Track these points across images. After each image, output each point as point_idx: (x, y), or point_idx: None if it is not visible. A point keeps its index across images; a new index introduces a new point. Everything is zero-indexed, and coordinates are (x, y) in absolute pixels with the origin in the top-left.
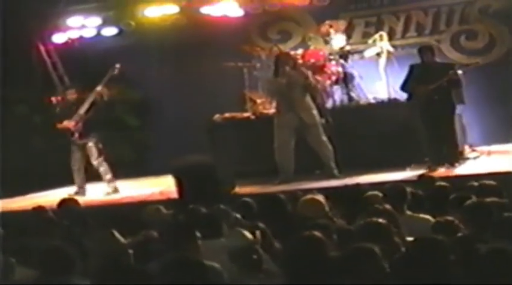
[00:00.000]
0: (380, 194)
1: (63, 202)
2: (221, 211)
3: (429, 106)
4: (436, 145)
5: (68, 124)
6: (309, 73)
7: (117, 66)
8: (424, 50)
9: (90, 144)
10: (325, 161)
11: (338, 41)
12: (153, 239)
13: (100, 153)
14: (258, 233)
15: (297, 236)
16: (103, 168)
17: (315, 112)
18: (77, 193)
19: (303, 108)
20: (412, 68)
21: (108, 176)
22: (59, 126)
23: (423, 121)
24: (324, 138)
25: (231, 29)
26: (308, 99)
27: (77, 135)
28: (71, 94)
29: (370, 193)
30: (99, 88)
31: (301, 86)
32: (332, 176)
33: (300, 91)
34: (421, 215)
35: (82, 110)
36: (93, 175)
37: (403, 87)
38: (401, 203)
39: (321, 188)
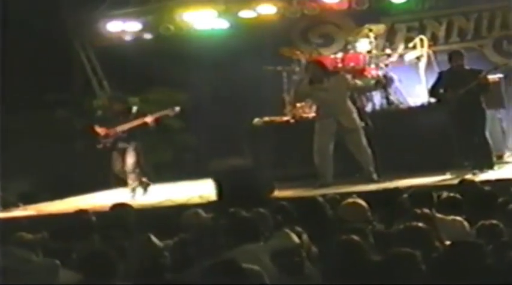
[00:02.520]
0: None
1: (116, 206)
2: (260, 215)
3: (459, 111)
4: (471, 150)
5: (104, 132)
6: (349, 76)
7: (177, 109)
8: (454, 56)
9: (130, 149)
10: (364, 165)
11: (362, 45)
12: (192, 243)
13: (137, 158)
14: (304, 236)
15: (335, 240)
16: (134, 175)
17: (355, 116)
18: (132, 195)
19: (342, 112)
20: (440, 74)
21: (135, 184)
22: (98, 132)
23: (454, 126)
24: (364, 142)
25: (271, 33)
26: (348, 103)
27: (115, 140)
28: (118, 105)
29: (403, 196)
30: (149, 119)
31: (340, 90)
32: (371, 181)
33: (339, 95)
34: (452, 218)
35: (121, 128)
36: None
37: (432, 93)
38: (429, 207)
39: (359, 192)
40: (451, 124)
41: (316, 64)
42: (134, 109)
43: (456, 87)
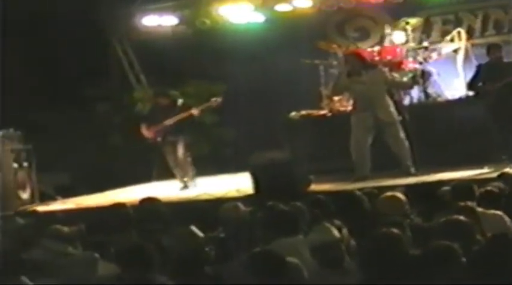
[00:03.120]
0: (447, 190)
1: (145, 200)
2: (297, 208)
3: (497, 104)
4: (509, 143)
5: (151, 131)
6: (386, 69)
7: (219, 99)
8: (492, 49)
9: (181, 142)
10: (402, 159)
11: (399, 37)
12: (230, 236)
13: (187, 151)
14: (344, 230)
15: (374, 234)
16: (186, 166)
17: (392, 109)
18: (183, 188)
19: (380, 106)
20: (479, 68)
21: (190, 175)
22: (144, 131)
23: (492, 119)
24: (402, 136)
25: (307, 26)
26: (386, 96)
27: (165, 134)
28: (163, 99)
29: (442, 189)
30: (195, 111)
31: (378, 84)
32: (408, 174)
33: (377, 89)
34: (493, 212)
35: (168, 122)
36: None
37: (470, 86)
38: (471, 200)
39: (397, 186)
40: (489, 118)
41: (355, 57)
42: (179, 102)
43: (494, 80)
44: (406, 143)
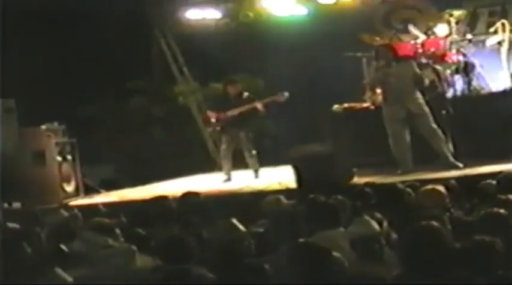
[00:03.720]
0: (492, 182)
1: (187, 194)
2: (339, 201)
3: None
4: None
5: (214, 115)
6: (415, 65)
7: (286, 94)
8: None
9: (242, 134)
10: (439, 149)
11: (442, 30)
12: (272, 229)
13: (251, 143)
14: (385, 223)
15: (414, 226)
16: (254, 159)
17: (422, 101)
18: (226, 180)
19: (409, 99)
20: None
21: (257, 166)
22: (208, 114)
23: None
24: (434, 126)
25: (350, 19)
26: (416, 89)
27: (226, 125)
28: (231, 88)
29: (484, 182)
30: (259, 105)
31: (408, 77)
32: (449, 165)
33: (406, 82)
34: None
35: (231, 113)
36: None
37: None
38: None
39: (440, 179)
40: None
41: (387, 49)
42: (245, 94)
43: None
44: (440, 133)
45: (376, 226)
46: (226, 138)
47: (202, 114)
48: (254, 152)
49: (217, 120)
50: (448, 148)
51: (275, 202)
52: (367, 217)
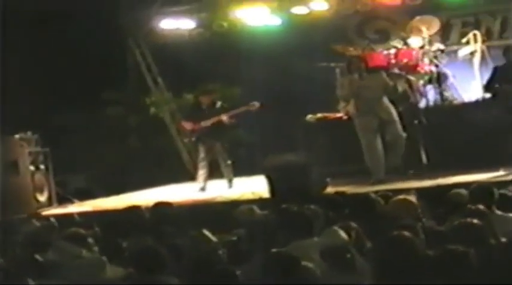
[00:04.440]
0: (464, 192)
1: (159, 204)
2: (312, 211)
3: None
4: None
5: (189, 125)
6: (385, 75)
7: (257, 103)
8: (510, 50)
9: (218, 144)
10: (394, 158)
11: (416, 40)
12: (244, 239)
13: (227, 153)
14: (354, 233)
15: (386, 236)
16: (229, 169)
17: (393, 110)
18: (201, 189)
19: (381, 108)
20: (496, 69)
21: (231, 176)
22: (183, 124)
23: (509, 121)
24: (402, 134)
25: (324, 29)
26: (385, 99)
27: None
28: (204, 98)
29: (454, 191)
30: (224, 117)
31: (378, 88)
32: (398, 173)
33: (377, 92)
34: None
35: (205, 123)
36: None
37: (487, 88)
38: (490, 203)
39: (412, 189)
40: (505, 120)
41: (359, 60)
42: (218, 104)
43: (509, 82)
44: (403, 143)
45: (344, 235)
46: (203, 148)
47: (176, 124)
48: (229, 162)
49: (193, 130)
50: (402, 158)
51: (248, 212)
52: (335, 227)
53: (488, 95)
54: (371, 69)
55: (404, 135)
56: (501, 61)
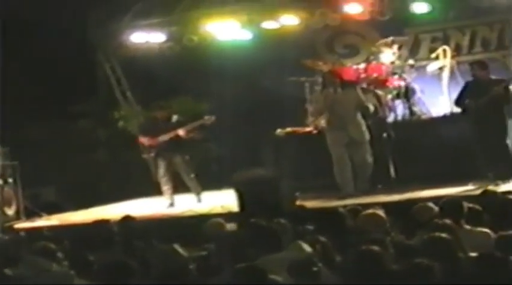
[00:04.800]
0: (433, 207)
1: (126, 218)
2: (281, 225)
3: (481, 121)
4: (493, 160)
5: (147, 140)
6: (359, 91)
7: (212, 118)
8: (476, 66)
9: (178, 158)
10: (362, 177)
11: (386, 56)
12: (215, 253)
13: (189, 167)
14: (318, 246)
15: (354, 251)
16: (194, 182)
17: (364, 128)
18: (170, 205)
19: (352, 125)
20: (466, 84)
21: (198, 189)
22: (141, 139)
23: (477, 136)
24: (368, 159)
25: (294, 44)
26: (358, 115)
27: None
28: (159, 113)
29: (420, 204)
30: (181, 132)
31: (351, 103)
32: (364, 192)
33: (350, 108)
34: (480, 229)
35: (162, 138)
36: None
37: (457, 103)
38: (459, 217)
39: (380, 203)
40: (473, 134)
41: (333, 75)
42: (174, 118)
43: (479, 97)
44: (370, 167)
45: (308, 249)
46: (162, 163)
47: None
48: (193, 175)
49: (151, 145)
50: (369, 178)
51: (216, 226)
52: (300, 241)
53: (458, 110)
54: (345, 84)
55: (371, 159)
56: (470, 77)
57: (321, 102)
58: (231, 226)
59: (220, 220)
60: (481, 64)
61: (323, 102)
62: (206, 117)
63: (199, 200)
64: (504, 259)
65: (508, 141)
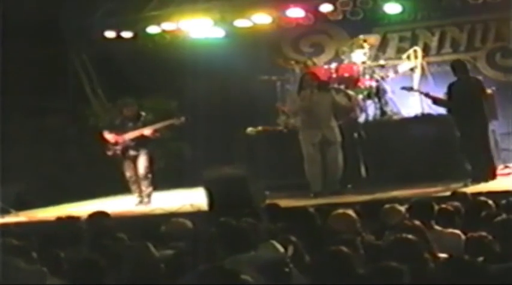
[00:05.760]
0: (402, 207)
1: (94, 214)
2: (250, 224)
3: (462, 121)
4: (471, 161)
5: (114, 139)
6: (334, 91)
7: (182, 119)
8: (456, 66)
9: (141, 155)
10: (332, 178)
11: (358, 56)
12: (184, 252)
13: (149, 165)
14: (290, 247)
15: (324, 251)
16: (147, 181)
17: (337, 130)
18: (139, 203)
19: (326, 125)
20: (450, 87)
21: (150, 189)
22: (106, 136)
23: (458, 137)
24: (340, 159)
25: (266, 42)
26: (332, 117)
27: (125, 148)
28: (127, 110)
29: (388, 205)
30: (147, 131)
31: (326, 104)
32: (334, 192)
33: (325, 108)
34: (451, 231)
35: (128, 137)
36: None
37: (435, 103)
38: (429, 218)
39: (351, 203)
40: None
41: (311, 77)
42: (143, 115)
43: (463, 98)
44: (341, 167)
45: (281, 249)
46: (128, 162)
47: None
48: (150, 176)
49: (116, 142)
50: (340, 178)
51: (179, 226)
52: (272, 241)
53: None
54: (321, 85)
55: (342, 160)
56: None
57: (297, 103)
58: (198, 225)
59: (182, 219)
60: (461, 64)
61: (300, 103)
62: (176, 117)
63: (145, 202)
64: (472, 261)
65: (488, 141)
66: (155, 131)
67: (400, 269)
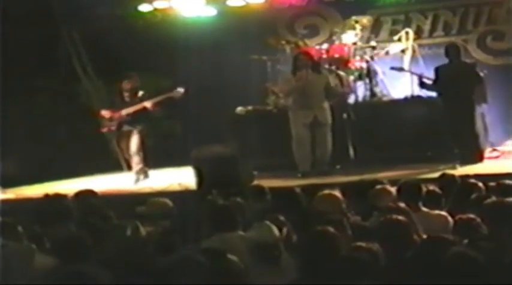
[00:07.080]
0: (390, 188)
1: (81, 192)
2: (237, 204)
3: (450, 104)
4: (458, 143)
5: (109, 115)
6: (327, 72)
7: (181, 90)
8: (450, 49)
9: (135, 132)
10: (321, 159)
11: (349, 37)
12: (170, 231)
13: (142, 142)
14: (285, 229)
15: (310, 231)
16: (138, 158)
17: (328, 112)
18: (137, 180)
19: (318, 106)
20: (437, 69)
21: (139, 167)
22: (102, 113)
23: (446, 119)
24: (329, 140)
25: (258, 22)
26: (324, 98)
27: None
28: (126, 84)
29: (378, 186)
30: (148, 104)
31: (320, 85)
32: (322, 173)
33: (318, 90)
34: (437, 212)
35: (125, 112)
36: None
37: (422, 86)
38: (416, 200)
39: (338, 183)
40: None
41: (306, 57)
42: (141, 92)
43: (449, 81)
44: (330, 146)
45: (276, 231)
46: (121, 139)
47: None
48: (141, 153)
49: (111, 117)
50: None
51: (158, 205)
52: (267, 222)
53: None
54: (316, 66)
55: (329, 139)
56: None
57: (292, 83)
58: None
59: (163, 198)
60: (454, 48)
61: (295, 83)
62: (175, 90)
63: (137, 180)
64: (457, 243)
65: (475, 125)
66: (155, 104)
67: (375, 250)
